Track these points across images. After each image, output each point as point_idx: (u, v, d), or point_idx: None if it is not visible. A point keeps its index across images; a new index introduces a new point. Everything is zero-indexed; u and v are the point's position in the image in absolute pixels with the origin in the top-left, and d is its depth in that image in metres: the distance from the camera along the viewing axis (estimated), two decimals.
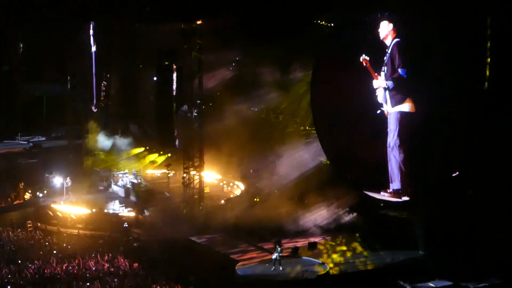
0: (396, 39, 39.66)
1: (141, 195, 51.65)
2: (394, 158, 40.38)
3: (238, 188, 53.96)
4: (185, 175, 48.61)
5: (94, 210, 48.31)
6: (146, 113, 60.33)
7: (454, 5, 36.90)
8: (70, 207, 49.12)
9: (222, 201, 50.36)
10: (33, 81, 72.51)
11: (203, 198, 49.04)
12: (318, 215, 43.24)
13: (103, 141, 60.03)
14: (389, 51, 39.89)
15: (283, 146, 48.63)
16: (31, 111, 71.41)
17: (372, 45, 40.44)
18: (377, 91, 40.66)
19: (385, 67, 40.15)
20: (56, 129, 68.28)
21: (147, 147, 60.76)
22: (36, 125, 70.07)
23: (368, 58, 40.41)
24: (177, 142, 52.17)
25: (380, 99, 40.60)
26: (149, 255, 40.07)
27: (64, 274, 36.12)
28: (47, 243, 42.14)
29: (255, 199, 48.20)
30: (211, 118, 51.71)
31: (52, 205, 49.19)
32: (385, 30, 40.25)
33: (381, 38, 40.32)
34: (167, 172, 54.26)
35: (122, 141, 60.37)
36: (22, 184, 53.00)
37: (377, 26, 40.49)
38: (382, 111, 40.73)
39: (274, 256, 36.90)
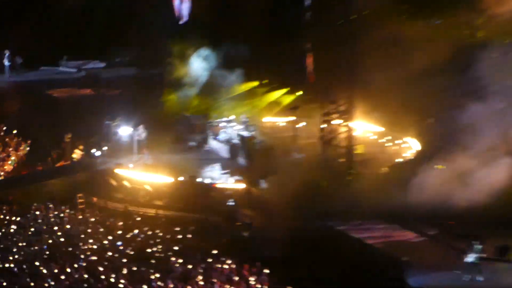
0: None
1: (256, 156, 50.87)
2: None
3: (411, 148, 51.83)
4: (325, 125, 47.61)
5: (181, 178, 46.37)
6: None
7: None
8: (144, 173, 47.54)
9: (385, 168, 48.85)
10: None
11: (354, 163, 47.66)
12: None
13: (194, 69, 58.06)
14: None
15: None
16: (82, 26, 71.35)
17: None
18: None
19: None
20: (120, 52, 68.60)
21: (265, 81, 58.36)
22: (89, 47, 70.20)
23: None
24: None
25: None
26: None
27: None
28: (106, 230, 40.46)
29: (439, 166, 45.90)
30: (366, 37, 49.27)
31: (116, 170, 48.27)
32: None
33: None
34: (295, 120, 52.82)
35: (224, 70, 57.10)
36: (70, 135, 51.14)
37: None
38: None
39: (468, 259, 35.42)
